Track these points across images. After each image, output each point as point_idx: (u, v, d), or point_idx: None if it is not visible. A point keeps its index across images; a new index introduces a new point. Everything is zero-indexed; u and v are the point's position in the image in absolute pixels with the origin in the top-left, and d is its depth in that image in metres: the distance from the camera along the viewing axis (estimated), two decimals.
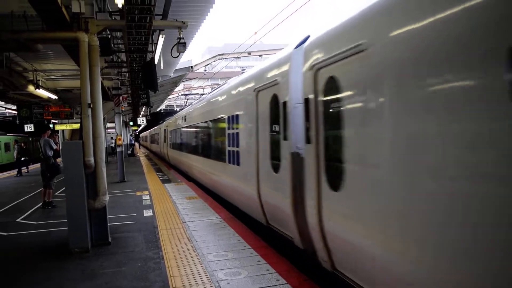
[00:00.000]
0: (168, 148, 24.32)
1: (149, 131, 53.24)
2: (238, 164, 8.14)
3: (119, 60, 13.68)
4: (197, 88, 48.16)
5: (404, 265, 3.19)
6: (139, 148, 62.50)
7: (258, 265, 5.42)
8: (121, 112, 19.10)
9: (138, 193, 12.67)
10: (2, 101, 21.71)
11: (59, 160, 11.95)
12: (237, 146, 8.13)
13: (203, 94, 31.31)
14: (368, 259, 3.65)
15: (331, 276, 4.62)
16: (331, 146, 4.36)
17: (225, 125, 9.08)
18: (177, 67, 22.40)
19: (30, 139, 36.92)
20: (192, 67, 23.70)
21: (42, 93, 15.18)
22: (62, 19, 6.72)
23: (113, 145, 32.71)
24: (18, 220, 9.38)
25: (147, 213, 9.43)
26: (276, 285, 4.71)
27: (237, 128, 8.19)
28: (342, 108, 4.04)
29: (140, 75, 13.64)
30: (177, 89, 38.05)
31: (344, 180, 3.96)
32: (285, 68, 5.69)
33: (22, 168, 22.24)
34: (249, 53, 22.67)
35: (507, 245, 2.29)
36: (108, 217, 7.07)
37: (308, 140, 4.69)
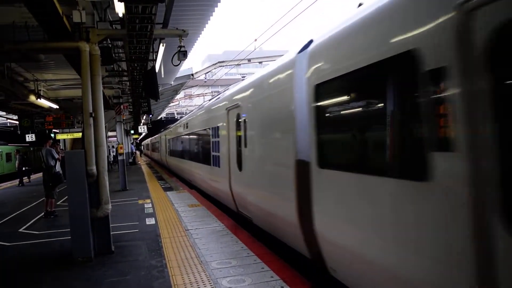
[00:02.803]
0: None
1: (164, 133, 31.22)
2: None
3: (120, 69, 13.73)
4: (198, 96, 48.22)
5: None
6: (140, 156, 62.50)
7: (262, 272, 5.40)
8: (122, 120, 19.14)
9: (140, 202, 12.66)
10: (3, 111, 21.76)
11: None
12: None
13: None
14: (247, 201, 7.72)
15: (338, 283, 4.60)
16: None
17: None
18: (178, 75, 22.44)
19: (32, 149, 36.94)
20: (192, 75, 23.76)
21: (43, 102, 15.21)
22: (64, 29, 6.75)
23: (114, 153, 32.21)
24: (20, 230, 9.37)
25: (150, 221, 9.41)
26: None
27: None
28: None
29: (141, 84, 13.67)
30: (177, 96, 38.15)
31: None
32: None
33: (24, 178, 22.25)
34: (249, 60, 22.73)
35: None
36: (110, 225, 7.07)
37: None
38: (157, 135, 39.52)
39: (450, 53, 2.71)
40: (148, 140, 61.57)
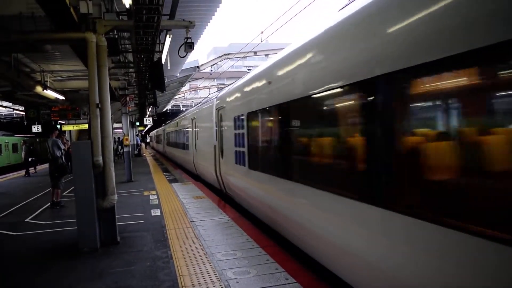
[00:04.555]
0: None
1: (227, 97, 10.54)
2: None
3: (126, 60, 13.74)
4: (203, 88, 48.20)
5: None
6: (146, 148, 62.65)
7: (266, 264, 5.41)
8: (128, 112, 19.17)
9: (145, 193, 12.71)
10: (10, 102, 21.87)
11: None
12: None
13: None
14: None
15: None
16: None
17: None
18: (184, 67, 22.47)
19: (38, 139, 37.14)
20: (198, 67, 23.76)
21: (50, 94, 15.26)
22: (70, 20, 6.76)
23: (118, 146, 32.01)
24: (27, 220, 9.44)
25: (155, 212, 9.45)
26: (285, 284, 4.70)
27: None
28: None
29: (147, 75, 13.69)
30: (183, 89, 38.14)
31: None
32: None
33: (30, 169, 22.38)
34: (255, 52, 22.67)
35: None
36: (116, 216, 7.10)
37: None
38: (186, 115, 20.82)
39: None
40: (160, 130, 41.78)
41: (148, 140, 76.67)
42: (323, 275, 5.05)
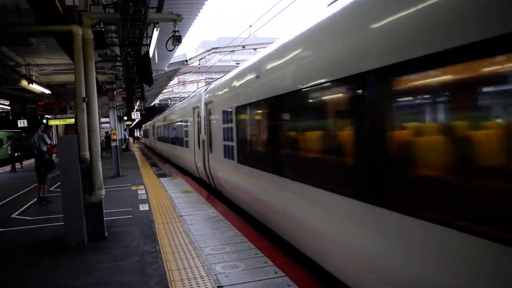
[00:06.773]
0: None
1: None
2: None
3: (113, 54, 13.58)
4: (192, 82, 47.96)
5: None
6: (133, 143, 62.24)
7: (255, 258, 5.42)
8: (115, 106, 18.98)
9: (133, 188, 12.63)
10: None
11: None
12: None
13: None
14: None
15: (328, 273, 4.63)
16: None
17: None
18: (172, 61, 22.32)
19: (24, 134, 36.63)
20: (186, 61, 23.61)
21: (35, 88, 15.01)
22: (56, 12, 6.63)
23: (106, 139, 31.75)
24: (13, 215, 9.33)
25: (143, 207, 9.40)
26: (274, 278, 4.71)
27: None
28: None
29: (134, 69, 13.55)
30: (171, 83, 37.94)
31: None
32: None
33: (16, 164, 22.10)
34: (243, 46, 22.60)
35: None
36: (104, 211, 7.05)
37: None
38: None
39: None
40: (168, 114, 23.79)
41: (138, 135, 75.77)
42: (311, 269, 5.07)
